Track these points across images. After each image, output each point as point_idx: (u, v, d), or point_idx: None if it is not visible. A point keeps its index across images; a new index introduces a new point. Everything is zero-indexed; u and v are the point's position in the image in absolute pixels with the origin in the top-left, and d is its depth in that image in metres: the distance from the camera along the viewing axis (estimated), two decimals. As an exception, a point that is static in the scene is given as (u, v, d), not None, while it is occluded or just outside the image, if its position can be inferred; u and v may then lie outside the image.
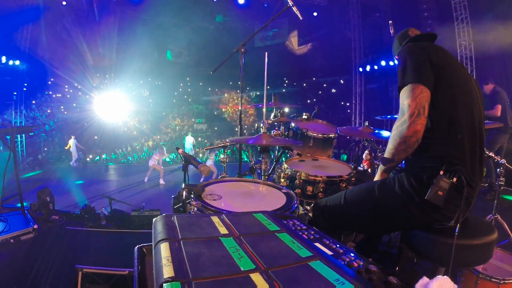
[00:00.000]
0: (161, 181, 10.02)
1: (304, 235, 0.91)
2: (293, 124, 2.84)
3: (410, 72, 1.43)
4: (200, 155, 13.59)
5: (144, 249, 1.01)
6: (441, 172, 1.33)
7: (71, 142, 12.59)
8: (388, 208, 1.46)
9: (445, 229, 1.36)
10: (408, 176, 1.42)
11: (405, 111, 1.40)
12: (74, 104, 14.21)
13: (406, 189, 1.40)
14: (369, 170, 3.23)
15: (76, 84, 13.21)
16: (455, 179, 1.32)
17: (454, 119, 1.40)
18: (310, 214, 1.70)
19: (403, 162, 1.57)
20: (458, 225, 1.32)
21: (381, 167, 1.58)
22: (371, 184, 1.55)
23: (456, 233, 1.29)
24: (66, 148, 12.87)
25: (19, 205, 3.35)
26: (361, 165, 3.38)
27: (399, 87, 1.49)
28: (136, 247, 1.00)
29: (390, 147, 1.47)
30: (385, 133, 2.88)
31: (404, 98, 1.43)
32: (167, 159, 12.99)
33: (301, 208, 2.14)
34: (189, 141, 12.97)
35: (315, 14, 13.00)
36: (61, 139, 13.51)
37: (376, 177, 1.60)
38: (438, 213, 1.35)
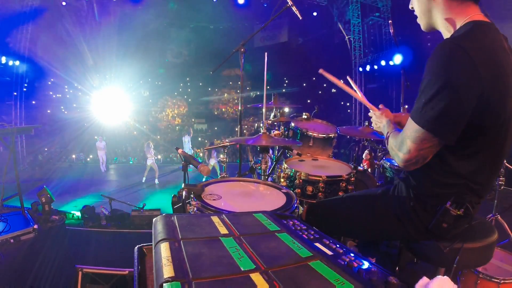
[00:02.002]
0: (156, 181, 10.12)
1: (304, 235, 0.91)
2: (293, 124, 2.84)
3: (434, 113, 1.03)
4: (201, 154, 13.58)
5: (144, 249, 1.01)
6: (448, 204, 1.17)
7: (99, 144, 11.92)
8: (385, 225, 1.38)
9: None
10: (410, 198, 1.28)
11: (403, 151, 1.14)
12: (74, 105, 14.22)
13: (407, 212, 1.28)
14: (369, 170, 3.23)
15: (76, 85, 13.22)
16: (462, 211, 1.17)
17: (494, 158, 1.16)
18: (303, 216, 1.64)
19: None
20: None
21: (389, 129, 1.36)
22: (370, 197, 1.48)
23: (459, 255, 1.25)
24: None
25: (19, 205, 3.36)
26: (361, 165, 3.37)
27: (411, 116, 1.12)
28: (136, 247, 1.00)
29: (390, 145, 1.27)
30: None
31: (410, 136, 1.11)
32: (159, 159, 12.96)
33: (301, 208, 2.14)
34: (185, 141, 12.86)
35: (315, 14, 13.00)
36: (61, 139, 13.51)
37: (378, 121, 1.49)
38: (439, 238, 1.28)
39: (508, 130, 1.13)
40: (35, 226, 2.94)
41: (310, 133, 2.68)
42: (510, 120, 1.12)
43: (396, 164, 2.89)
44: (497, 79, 1.04)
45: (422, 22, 1.25)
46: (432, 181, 1.21)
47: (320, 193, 2.09)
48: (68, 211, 5.52)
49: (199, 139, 16.38)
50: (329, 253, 0.80)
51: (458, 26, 1.13)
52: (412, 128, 1.10)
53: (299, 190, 2.13)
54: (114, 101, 13.66)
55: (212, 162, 10.12)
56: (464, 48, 1.00)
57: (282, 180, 2.26)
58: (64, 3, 11.00)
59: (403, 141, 1.14)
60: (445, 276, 0.76)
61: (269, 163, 2.50)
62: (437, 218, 1.19)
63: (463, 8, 1.12)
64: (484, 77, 1.00)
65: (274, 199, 1.57)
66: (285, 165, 2.31)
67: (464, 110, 1.02)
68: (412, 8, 1.28)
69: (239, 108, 2.91)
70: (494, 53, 1.06)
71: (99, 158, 12.06)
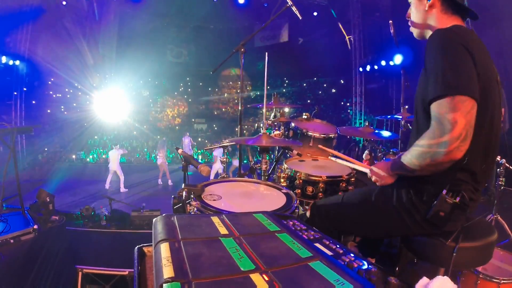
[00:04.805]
0: (170, 182, 10.00)
1: (304, 236, 0.91)
2: (293, 124, 2.84)
3: (456, 77, 1.12)
4: (200, 156, 13.56)
5: (144, 249, 1.01)
6: (444, 192, 1.22)
7: (113, 154, 9.19)
8: (384, 219, 1.41)
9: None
10: (408, 190, 1.33)
11: (449, 128, 1.09)
12: (74, 104, 14.20)
13: (404, 204, 1.32)
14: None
15: (76, 84, 13.19)
16: (458, 199, 1.22)
17: (484, 143, 1.23)
18: (308, 214, 1.68)
19: None
20: (459, 240, 1.27)
21: (392, 167, 1.37)
22: (369, 191, 1.51)
23: (455, 253, 1.26)
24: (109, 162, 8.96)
25: (19, 205, 3.35)
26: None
27: (437, 94, 1.13)
28: (136, 247, 1.00)
29: (414, 161, 1.22)
30: (385, 133, 2.87)
31: (448, 110, 1.10)
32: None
33: (301, 208, 2.14)
34: (186, 142, 12.79)
35: (315, 14, 12.99)
36: (62, 139, 13.50)
37: (378, 172, 1.43)
38: (438, 230, 1.31)
39: (493, 120, 1.25)
40: (35, 227, 2.94)
41: (310, 133, 2.68)
42: (494, 113, 1.25)
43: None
44: (484, 68, 1.18)
45: (415, 31, 1.43)
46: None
47: (320, 193, 2.09)
48: (68, 212, 5.52)
49: (199, 139, 16.37)
50: (329, 253, 0.80)
51: None
52: (445, 103, 1.11)
53: (299, 191, 2.14)
54: (114, 101, 13.64)
55: (236, 163, 10.03)
56: (454, 32, 1.20)
57: (282, 180, 2.26)
58: (64, 3, 10.97)
59: (442, 121, 1.11)
60: (445, 276, 0.76)
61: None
62: (435, 207, 1.23)
63: (451, 20, 1.32)
64: (477, 61, 1.15)
65: (274, 200, 1.57)
66: (285, 165, 2.31)
67: (471, 70, 1.14)
68: (409, 18, 1.44)
69: (239, 108, 2.91)
70: (477, 43, 1.22)
71: (118, 175, 8.98)
